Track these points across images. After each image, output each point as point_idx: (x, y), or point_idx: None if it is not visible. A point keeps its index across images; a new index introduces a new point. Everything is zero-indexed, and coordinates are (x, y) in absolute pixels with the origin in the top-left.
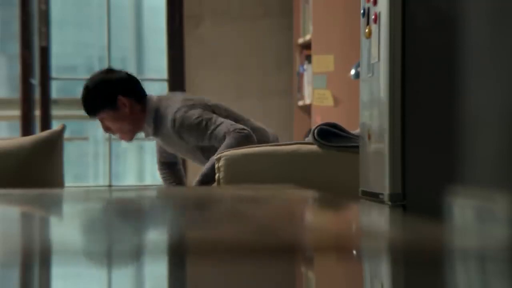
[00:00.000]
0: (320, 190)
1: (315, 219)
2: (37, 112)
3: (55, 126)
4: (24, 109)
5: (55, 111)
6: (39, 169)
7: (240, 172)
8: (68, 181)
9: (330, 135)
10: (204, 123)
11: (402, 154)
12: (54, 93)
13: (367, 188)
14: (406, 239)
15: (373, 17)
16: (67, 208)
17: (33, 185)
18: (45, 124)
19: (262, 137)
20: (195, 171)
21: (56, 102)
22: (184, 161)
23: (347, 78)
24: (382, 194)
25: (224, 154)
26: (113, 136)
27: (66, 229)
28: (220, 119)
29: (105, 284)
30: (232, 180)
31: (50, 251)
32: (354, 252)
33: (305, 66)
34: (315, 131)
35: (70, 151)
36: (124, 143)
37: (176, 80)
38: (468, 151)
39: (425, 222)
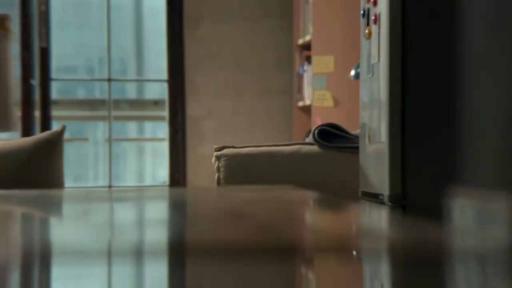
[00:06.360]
0: (320, 191)
1: (315, 219)
2: (37, 113)
3: (55, 127)
4: (24, 110)
5: (55, 112)
6: (39, 170)
7: (240, 172)
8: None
9: (330, 135)
10: None
11: (402, 154)
12: (54, 94)
13: (367, 189)
14: (406, 240)
15: (373, 17)
16: (67, 208)
17: (33, 186)
18: (45, 125)
19: None
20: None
21: (56, 103)
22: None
23: (347, 79)
24: (382, 195)
25: (224, 153)
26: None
27: (66, 230)
28: None
29: (105, 285)
30: (232, 180)
31: (50, 252)
32: (354, 252)
33: (305, 67)
34: (316, 131)
35: (70, 152)
36: (124, 144)
37: (176, 80)
38: (468, 152)
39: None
